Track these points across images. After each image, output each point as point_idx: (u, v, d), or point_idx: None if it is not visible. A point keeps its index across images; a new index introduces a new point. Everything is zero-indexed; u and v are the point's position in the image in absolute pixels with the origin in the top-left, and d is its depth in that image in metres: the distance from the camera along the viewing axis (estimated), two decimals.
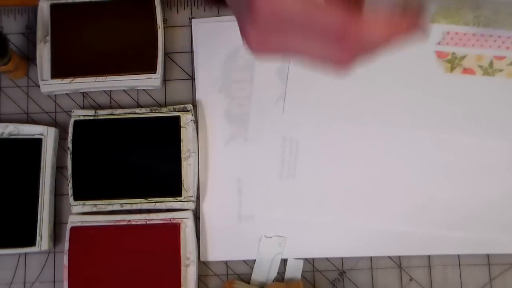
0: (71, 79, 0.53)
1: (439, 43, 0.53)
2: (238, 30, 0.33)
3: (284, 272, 0.52)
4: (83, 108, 0.55)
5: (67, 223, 0.51)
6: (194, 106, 0.54)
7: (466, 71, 0.53)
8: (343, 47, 0.28)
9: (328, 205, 0.52)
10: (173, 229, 0.51)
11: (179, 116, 0.53)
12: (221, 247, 0.52)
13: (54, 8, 0.55)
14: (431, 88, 0.53)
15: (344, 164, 0.52)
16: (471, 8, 0.52)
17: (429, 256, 0.52)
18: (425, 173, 0.52)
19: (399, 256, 0.52)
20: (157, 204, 0.51)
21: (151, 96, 0.55)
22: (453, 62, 0.53)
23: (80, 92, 0.55)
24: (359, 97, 0.53)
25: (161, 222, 0.51)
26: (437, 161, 0.52)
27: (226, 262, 0.52)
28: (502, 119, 0.52)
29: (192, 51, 0.55)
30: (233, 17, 0.56)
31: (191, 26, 0.56)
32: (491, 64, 0.53)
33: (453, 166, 0.52)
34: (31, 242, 0.51)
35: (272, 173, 0.53)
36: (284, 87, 0.53)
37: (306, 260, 0.52)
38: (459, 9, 0.53)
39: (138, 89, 0.55)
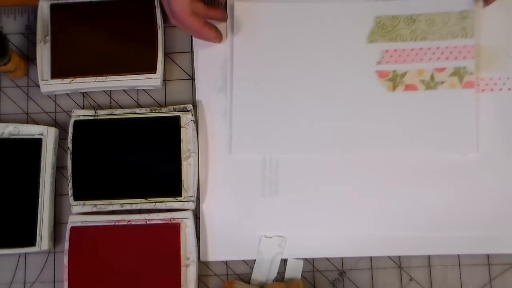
0: (71, 79, 0.53)
1: (379, 63, 0.53)
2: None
3: (284, 272, 0.52)
4: (83, 108, 0.55)
5: (67, 223, 0.51)
6: (194, 106, 0.54)
7: (409, 87, 0.52)
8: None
9: (318, 216, 0.52)
10: (173, 229, 0.51)
11: (179, 116, 0.53)
12: (221, 247, 0.52)
13: (54, 8, 0.55)
14: (376, 110, 0.52)
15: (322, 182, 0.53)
16: (406, 23, 0.52)
17: (429, 256, 0.52)
18: (400, 181, 0.52)
19: (399, 256, 0.52)
20: (157, 204, 0.51)
21: (151, 96, 0.55)
22: (395, 80, 0.52)
23: (80, 92, 0.55)
24: (313, 126, 0.53)
25: (161, 222, 0.51)
26: (410, 169, 0.52)
27: (226, 262, 0.52)
28: (451, 130, 0.52)
29: (192, 51, 0.55)
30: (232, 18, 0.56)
31: None
32: (432, 77, 0.52)
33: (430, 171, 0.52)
34: (31, 242, 0.51)
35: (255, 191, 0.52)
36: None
37: (306, 260, 0.52)
38: (394, 25, 0.53)
39: (138, 89, 0.55)
